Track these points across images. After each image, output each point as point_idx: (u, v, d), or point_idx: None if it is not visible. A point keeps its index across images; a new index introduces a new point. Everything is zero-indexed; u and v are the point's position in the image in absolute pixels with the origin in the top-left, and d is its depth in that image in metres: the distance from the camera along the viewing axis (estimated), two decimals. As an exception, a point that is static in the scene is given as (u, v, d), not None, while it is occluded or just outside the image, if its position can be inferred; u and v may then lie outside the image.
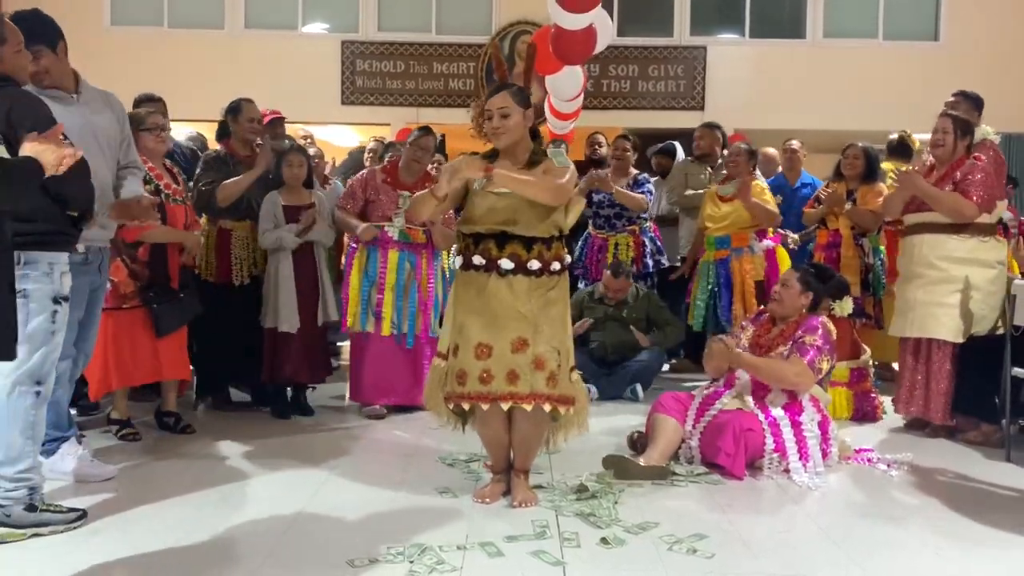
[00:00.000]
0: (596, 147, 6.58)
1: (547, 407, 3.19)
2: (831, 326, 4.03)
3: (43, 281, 2.85)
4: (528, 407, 3.16)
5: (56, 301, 2.90)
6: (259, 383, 4.85)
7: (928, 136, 4.62)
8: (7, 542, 2.80)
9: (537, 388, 3.16)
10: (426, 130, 4.86)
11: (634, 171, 6.14)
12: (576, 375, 3.39)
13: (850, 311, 4.85)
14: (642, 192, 5.99)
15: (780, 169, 6.84)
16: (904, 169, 4.59)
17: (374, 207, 4.77)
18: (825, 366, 3.92)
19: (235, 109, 4.87)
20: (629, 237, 6.01)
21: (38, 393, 2.90)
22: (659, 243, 6.13)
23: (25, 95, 2.85)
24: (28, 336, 2.83)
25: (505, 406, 3.18)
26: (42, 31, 3.30)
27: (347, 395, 5.00)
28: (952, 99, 5.10)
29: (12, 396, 2.85)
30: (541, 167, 3.25)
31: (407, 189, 4.73)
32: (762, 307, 4.47)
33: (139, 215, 3.59)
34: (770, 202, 5.48)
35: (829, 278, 4.32)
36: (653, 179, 6.69)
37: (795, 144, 6.49)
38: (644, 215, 6.06)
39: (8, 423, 2.85)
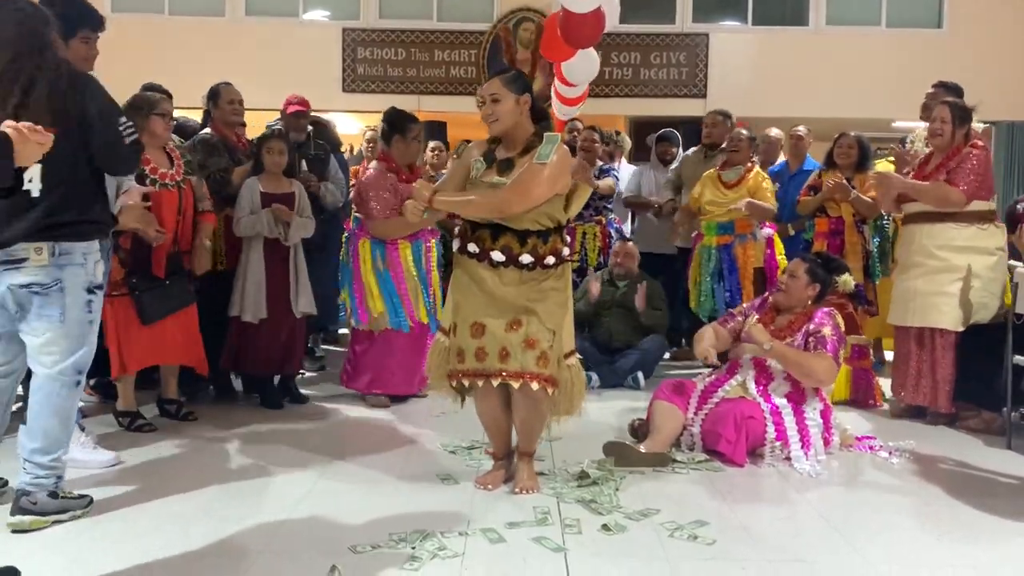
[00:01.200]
0: (575, 133, 6.60)
1: (535, 385, 3.16)
2: (839, 318, 4.02)
3: (78, 272, 2.83)
4: (516, 384, 3.17)
5: (90, 291, 2.88)
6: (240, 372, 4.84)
7: (925, 124, 4.61)
8: (34, 530, 2.81)
9: (527, 367, 3.15)
10: (411, 119, 4.73)
11: (599, 162, 6.21)
12: (574, 359, 3.39)
13: (852, 288, 4.87)
14: (609, 178, 6.17)
15: (782, 155, 6.81)
16: (881, 172, 4.59)
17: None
18: (841, 358, 3.93)
19: (215, 94, 4.91)
20: (596, 227, 6.07)
21: (78, 383, 2.92)
22: (623, 234, 6.20)
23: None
24: (67, 328, 2.83)
25: (496, 382, 3.19)
26: (92, 16, 3.39)
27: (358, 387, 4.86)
28: (932, 91, 5.13)
29: (56, 385, 2.86)
30: (529, 156, 3.21)
31: (411, 179, 4.73)
32: (765, 294, 4.46)
33: (147, 227, 3.83)
34: (769, 195, 5.52)
35: (836, 268, 4.30)
36: (642, 165, 6.75)
37: (802, 130, 6.45)
38: (610, 205, 6.15)
39: (49, 411, 2.87)
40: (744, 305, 4.37)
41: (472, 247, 3.23)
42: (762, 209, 5.45)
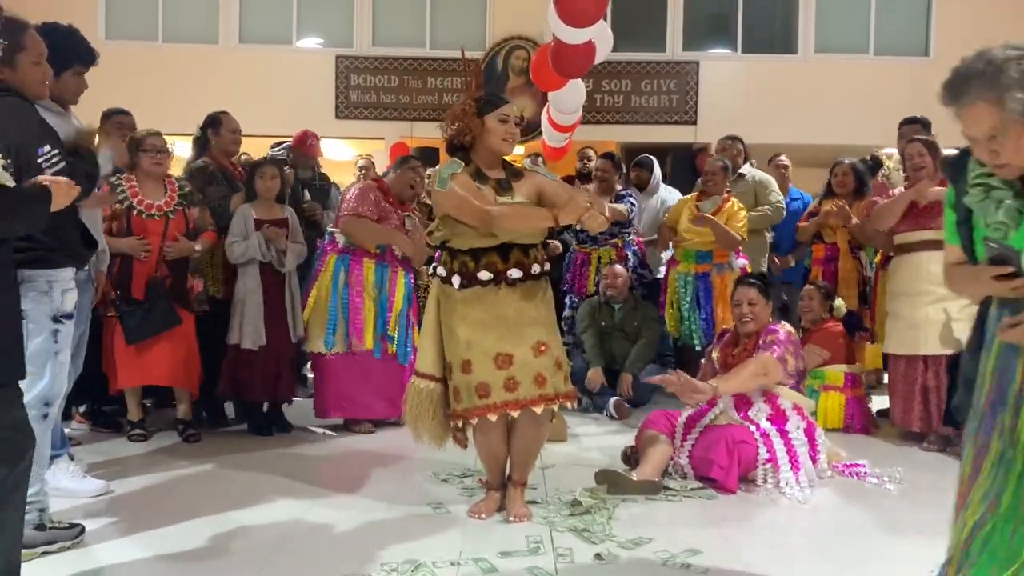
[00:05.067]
0: (586, 161, 6.63)
1: (570, 405, 3.34)
2: (789, 327, 4.07)
3: (41, 300, 2.80)
4: (555, 406, 3.26)
5: (57, 320, 2.85)
6: (242, 400, 4.83)
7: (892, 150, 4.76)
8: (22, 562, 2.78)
9: (559, 388, 3.25)
10: (412, 158, 4.82)
11: (618, 187, 6.17)
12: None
13: (845, 311, 4.92)
14: (624, 204, 6.07)
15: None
16: (917, 185, 4.60)
17: (386, 222, 4.70)
18: (792, 360, 3.92)
19: (215, 122, 4.94)
20: (612, 251, 6.06)
21: (46, 415, 2.87)
22: (642, 256, 6.18)
23: (17, 106, 2.82)
24: (30, 357, 2.78)
25: (538, 409, 3.19)
26: (86, 51, 3.42)
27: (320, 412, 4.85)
28: (903, 128, 5.35)
29: None
30: (530, 180, 3.28)
31: (405, 210, 4.76)
32: (723, 328, 4.53)
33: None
34: (740, 226, 5.44)
35: (770, 282, 4.41)
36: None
37: (784, 159, 6.50)
38: (627, 229, 6.11)
39: None
40: (709, 347, 4.41)
41: (484, 274, 3.19)
42: (726, 236, 5.37)
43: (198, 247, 4.45)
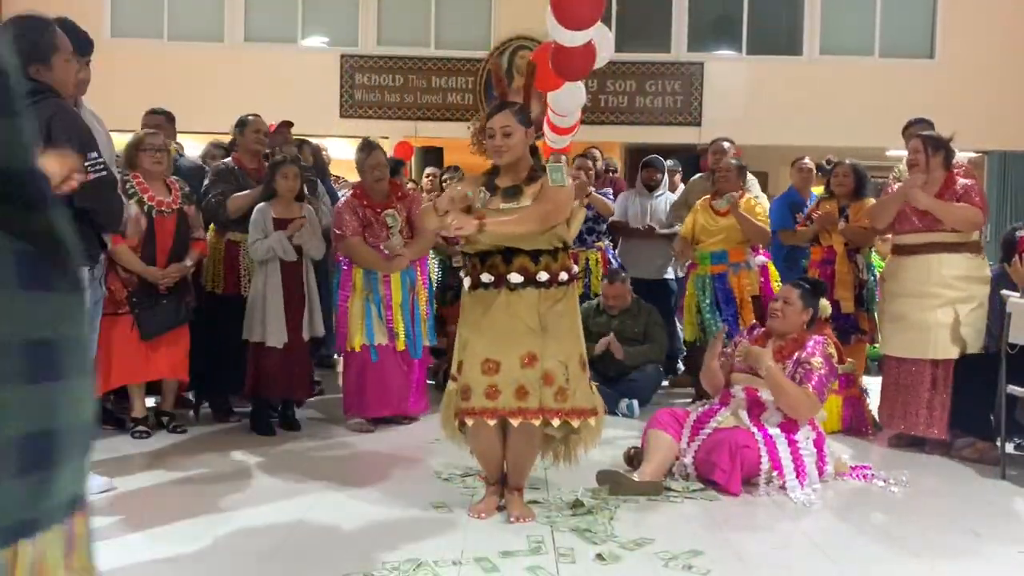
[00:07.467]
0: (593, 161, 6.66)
1: (556, 422, 3.20)
2: (832, 347, 4.02)
3: None
4: (536, 422, 3.17)
5: None
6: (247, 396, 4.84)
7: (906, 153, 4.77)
8: None
9: (546, 403, 3.17)
10: (370, 146, 4.86)
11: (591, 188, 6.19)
12: (594, 385, 3.40)
13: (829, 312, 4.89)
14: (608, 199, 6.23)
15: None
16: (909, 185, 4.59)
17: (369, 231, 4.74)
18: (828, 387, 3.96)
19: (242, 123, 5.08)
20: (598, 253, 6.08)
21: None
22: (617, 261, 6.30)
23: (65, 108, 2.83)
24: None
25: (515, 422, 3.16)
26: (86, 41, 3.42)
27: (343, 410, 4.93)
28: (907, 131, 5.31)
29: None
30: (538, 183, 3.27)
31: (385, 207, 4.77)
32: (755, 322, 4.50)
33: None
34: (763, 218, 5.51)
35: (822, 292, 4.36)
36: (628, 191, 6.80)
37: (808, 162, 6.47)
38: (600, 226, 6.18)
39: None
40: (737, 336, 4.37)
41: (486, 276, 3.21)
42: (753, 225, 5.40)
43: (189, 263, 4.54)
